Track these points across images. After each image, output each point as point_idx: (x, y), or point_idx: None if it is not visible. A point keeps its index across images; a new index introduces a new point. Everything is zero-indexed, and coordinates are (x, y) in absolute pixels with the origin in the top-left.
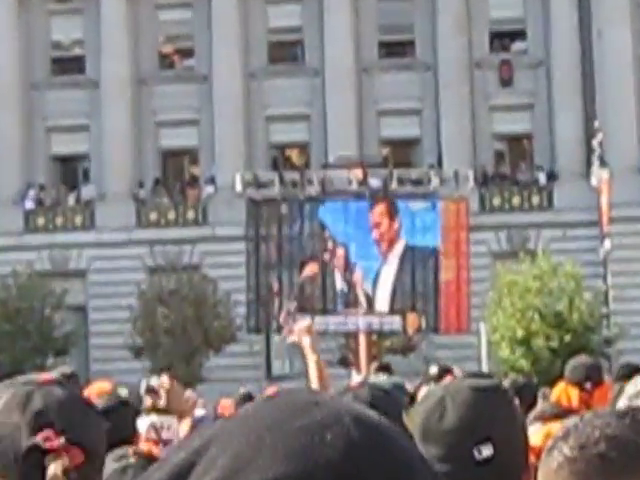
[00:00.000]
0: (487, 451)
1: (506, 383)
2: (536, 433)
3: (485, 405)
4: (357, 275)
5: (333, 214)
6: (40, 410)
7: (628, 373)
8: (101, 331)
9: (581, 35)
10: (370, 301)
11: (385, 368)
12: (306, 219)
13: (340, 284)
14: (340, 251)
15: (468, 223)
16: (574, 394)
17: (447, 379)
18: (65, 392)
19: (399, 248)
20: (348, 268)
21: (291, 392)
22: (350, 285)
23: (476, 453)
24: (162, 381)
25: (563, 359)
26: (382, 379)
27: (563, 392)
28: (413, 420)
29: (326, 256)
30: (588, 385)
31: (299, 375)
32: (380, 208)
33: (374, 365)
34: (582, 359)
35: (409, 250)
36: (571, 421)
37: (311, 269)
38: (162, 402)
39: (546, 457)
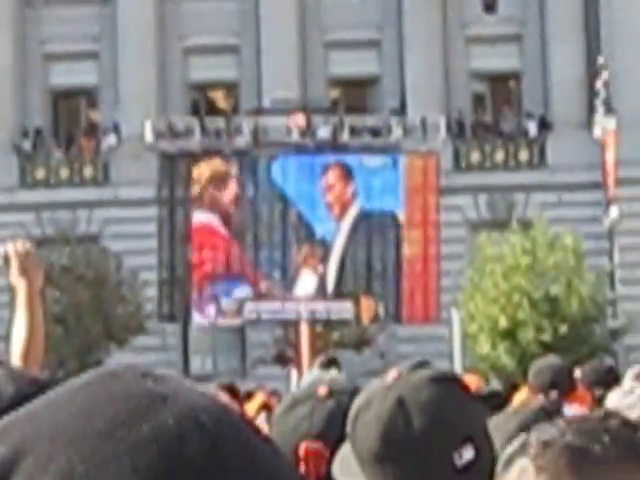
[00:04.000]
0: (468, 454)
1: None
2: None
3: (453, 399)
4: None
5: (267, 171)
6: None
7: (606, 379)
8: None
9: None
10: (320, 283)
11: (332, 362)
12: (233, 177)
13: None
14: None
15: (439, 184)
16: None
17: (389, 376)
18: None
19: (352, 214)
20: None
21: (121, 377)
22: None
23: (457, 458)
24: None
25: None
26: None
27: (525, 401)
28: (362, 434)
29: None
30: (553, 394)
31: (225, 375)
32: (334, 172)
33: (319, 359)
34: (549, 360)
35: (364, 218)
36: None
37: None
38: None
39: (502, 472)
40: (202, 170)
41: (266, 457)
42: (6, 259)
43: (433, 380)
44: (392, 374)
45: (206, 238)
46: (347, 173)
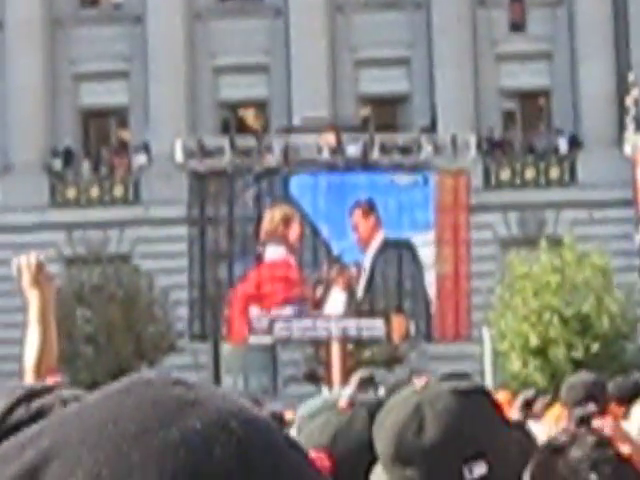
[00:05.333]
0: (479, 469)
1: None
2: None
3: (472, 412)
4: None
5: (300, 190)
6: None
7: (633, 394)
8: (7, 338)
9: None
10: (349, 300)
11: (370, 381)
12: (265, 196)
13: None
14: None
15: (469, 202)
16: None
17: (418, 382)
18: None
19: (377, 241)
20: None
21: (151, 383)
22: (321, 278)
23: (466, 473)
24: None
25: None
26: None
27: (558, 417)
28: (381, 436)
29: (294, 241)
30: (591, 407)
31: (257, 394)
32: (358, 212)
33: (356, 377)
34: (582, 376)
35: (387, 246)
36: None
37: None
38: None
39: None
40: (275, 213)
41: (294, 465)
42: (18, 271)
43: (456, 391)
44: (420, 382)
45: (279, 269)
46: (369, 208)
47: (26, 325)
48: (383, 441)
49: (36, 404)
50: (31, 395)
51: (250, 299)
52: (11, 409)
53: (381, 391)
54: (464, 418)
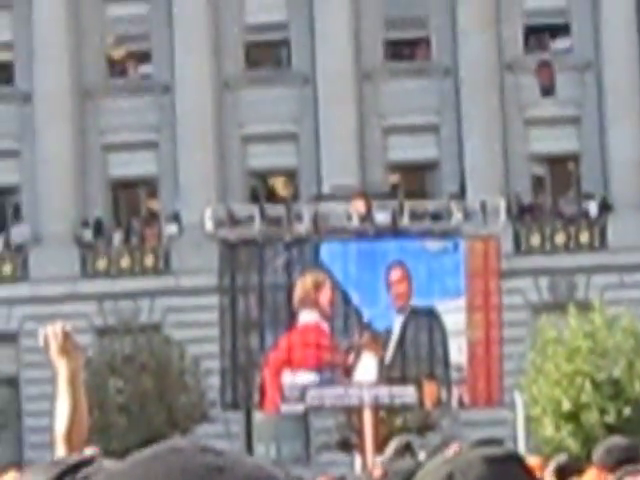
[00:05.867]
0: None
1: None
2: None
3: (504, 479)
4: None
5: (330, 257)
6: None
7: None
8: (37, 410)
9: None
10: (380, 367)
11: (407, 448)
12: (296, 264)
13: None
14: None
15: (500, 267)
16: None
17: (451, 449)
18: None
19: (410, 305)
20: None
21: (180, 450)
22: (353, 345)
23: None
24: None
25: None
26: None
27: None
28: None
29: (325, 306)
30: (630, 468)
31: (290, 462)
32: (397, 272)
33: (393, 444)
34: (616, 440)
35: (416, 314)
36: None
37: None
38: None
39: None
40: (306, 279)
41: None
42: (46, 342)
43: (488, 459)
44: (453, 448)
45: (310, 335)
46: (407, 274)
47: (56, 396)
48: None
49: (81, 475)
50: (76, 466)
51: (282, 364)
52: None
53: (421, 456)
54: None
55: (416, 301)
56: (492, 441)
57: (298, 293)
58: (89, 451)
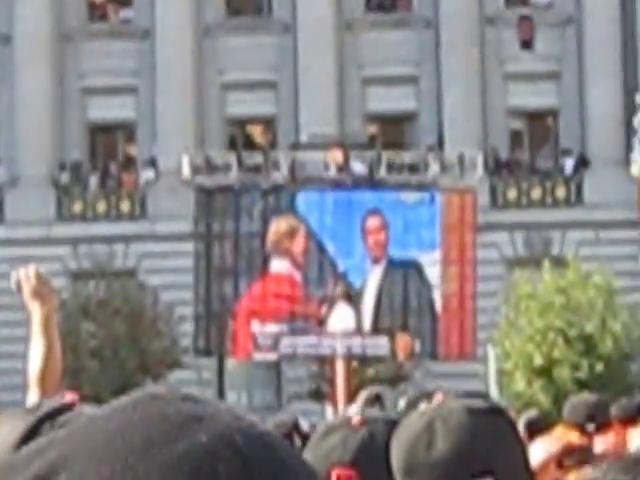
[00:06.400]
0: None
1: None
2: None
3: (484, 430)
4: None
5: (306, 206)
6: None
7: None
8: (5, 352)
9: None
10: (356, 316)
11: (377, 399)
12: (272, 212)
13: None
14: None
15: (476, 221)
16: (573, 438)
17: (436, 399)
18: None
19: (386, 256)
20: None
21: (159, 398)
22: (327, 296)
23: None
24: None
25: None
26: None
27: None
28: (395, 450)
29: (298, 255)
30: (590, 427)
31: (261, 409)
32: (374, 221)
33: (363, 395)
34: (586, 396)
35: (393, 266)
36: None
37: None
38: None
39: None
40: (280, 224)
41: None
42: (18, 285)
43: (470, 409)
44: (438, 397)
45: (283, 286)
46: (384, 223)
47: (29, 339)
48: (396, 455)
49: (60, 421)
50: (54, 413)
51: (254, 314)
52: (36, 427)
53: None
54: (475, 435)
55: (392, 252)
56: (477, 394)
57: (271, 237)
58: (69, 396)
